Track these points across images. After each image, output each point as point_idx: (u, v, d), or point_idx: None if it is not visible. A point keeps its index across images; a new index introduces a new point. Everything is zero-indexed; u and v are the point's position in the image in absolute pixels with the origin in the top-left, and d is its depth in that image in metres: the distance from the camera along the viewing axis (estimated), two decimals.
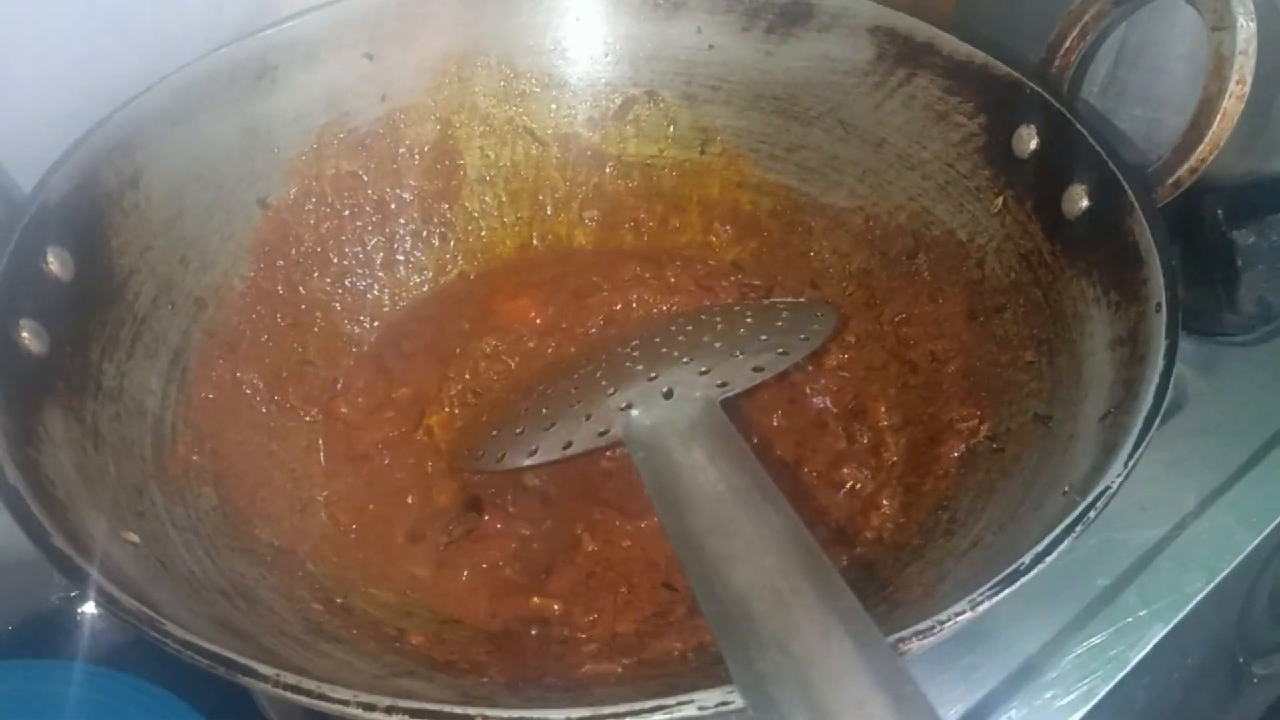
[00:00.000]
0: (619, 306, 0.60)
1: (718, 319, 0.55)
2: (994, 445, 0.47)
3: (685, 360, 0.50)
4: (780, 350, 0.51)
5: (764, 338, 0.52)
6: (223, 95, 0.55)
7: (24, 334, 0.43)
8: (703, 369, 0.49)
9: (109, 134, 0.51)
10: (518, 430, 0.50)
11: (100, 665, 0.62)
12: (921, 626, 0.31)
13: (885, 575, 0.45)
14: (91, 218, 0.49)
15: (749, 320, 0.55)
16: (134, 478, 0.44)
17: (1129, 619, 0.52)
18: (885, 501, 0.50)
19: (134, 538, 0.40)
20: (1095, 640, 0.51)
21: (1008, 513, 0.42)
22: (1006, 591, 0.32)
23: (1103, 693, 0.50)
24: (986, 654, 0.51)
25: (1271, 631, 0.57)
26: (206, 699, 0.59)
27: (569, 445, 0.48)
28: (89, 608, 0.68)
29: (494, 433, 0.51)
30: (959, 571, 0.41)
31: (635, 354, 0.52)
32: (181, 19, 0.56)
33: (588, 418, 0.49)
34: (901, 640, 0.31)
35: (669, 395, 0.48)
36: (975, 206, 0.54)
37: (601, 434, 0.48)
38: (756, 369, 0.50)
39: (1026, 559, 0.33)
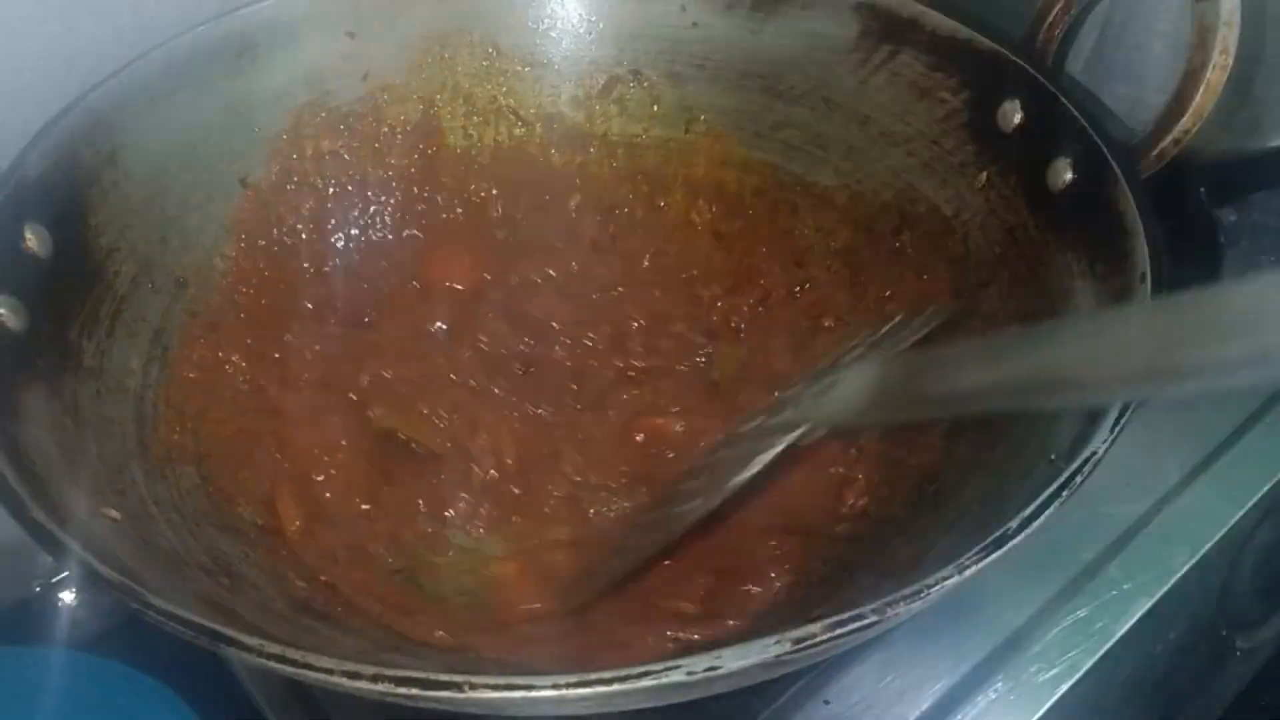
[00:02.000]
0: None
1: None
2: (981, 418, 0.47)
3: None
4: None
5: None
6: (202, 73, 0.55)
7: (1, 310, 0.42)
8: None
9: (86, 111, 0.50)
10: None
11: (84, 652, 0.62)
12: (909, 591, 0.31)
13: (872, 548, 0.45)
14: (69, 195, 0.48)
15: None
16: (115, 456, 0.44)
17: (1113, 592, 0.53)
18: (860, 476, 0.50)
19: (115, 514, 0.39)
20: (1080, 614, 0.52)
21: (994, 484, 0.42)
22: (994, 555, 0.32)
23: (1087, 665, 0.50)
24: (972, 627, 0.52)
25: (1255, 605, 0.58)
26: (191, 685, 0.59)
27: None
28: (72, 594, 0.68)
29: None
30: (945, 543, 0.41)
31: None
32: None
33: None
34: (889, 605, 0.31)
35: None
36: (959, 182, 0.54)
37: None
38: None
39: (1014, 523, 0.33)
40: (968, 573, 0.32)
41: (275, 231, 0.57)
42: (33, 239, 0.45)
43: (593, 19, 0.63)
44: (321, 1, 0.58)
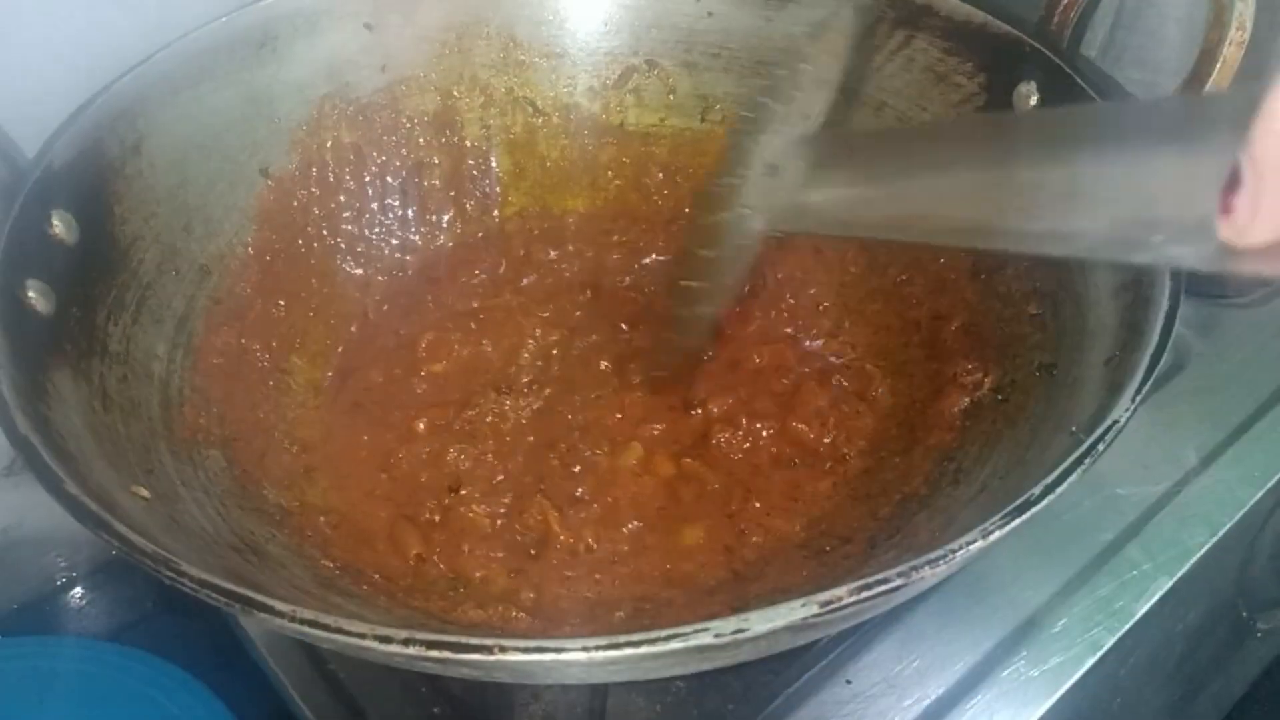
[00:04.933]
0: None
1: None
2: (999, 397, 0.48)
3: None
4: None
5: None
6: (224, 64, 0.55)
7: (30, 293, 0.43)
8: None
9: (112, 101, 0.51)
10: None
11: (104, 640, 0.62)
12: (935, 555, 0.32)
13: (894, 524, 0.45)
14: (95, 184, 0.49)
15: None
16: (142, 437, 0.44)
17: (1133, 572, 0.52)
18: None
19: (145, 493, 0.40)
20: (1101, 593, 0.51)
21: (1014, 458, 0.43)
22: (1018, 520, 0.33)
23: (1109, 644, 0.50)
24: (994, 606, 0.52)
25: (1274, 586, 0.58)
26: (213, 675, 0.60)
27: None
28: (89, 587, 0.69)
29: None
30: (966, 516, 0.41)
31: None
32: None
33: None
34: (915, 569, 0.31)
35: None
36: None
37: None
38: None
39: (1037, 490, 0.33)
40: (992, 537, 0.32)
41: (297, 221, 0.58)
42: (60, 225, 0.46)
43: (609, 9, 0.64)
44: None
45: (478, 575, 0.47)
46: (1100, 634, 0.50)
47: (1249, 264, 0.27)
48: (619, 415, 0.54)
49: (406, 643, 0.30)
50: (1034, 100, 0.52)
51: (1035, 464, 0.40)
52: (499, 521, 0.50)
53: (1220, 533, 0.54)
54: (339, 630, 0.30)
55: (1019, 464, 0.42)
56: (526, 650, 0.30)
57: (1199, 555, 0.53)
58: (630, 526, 0.49)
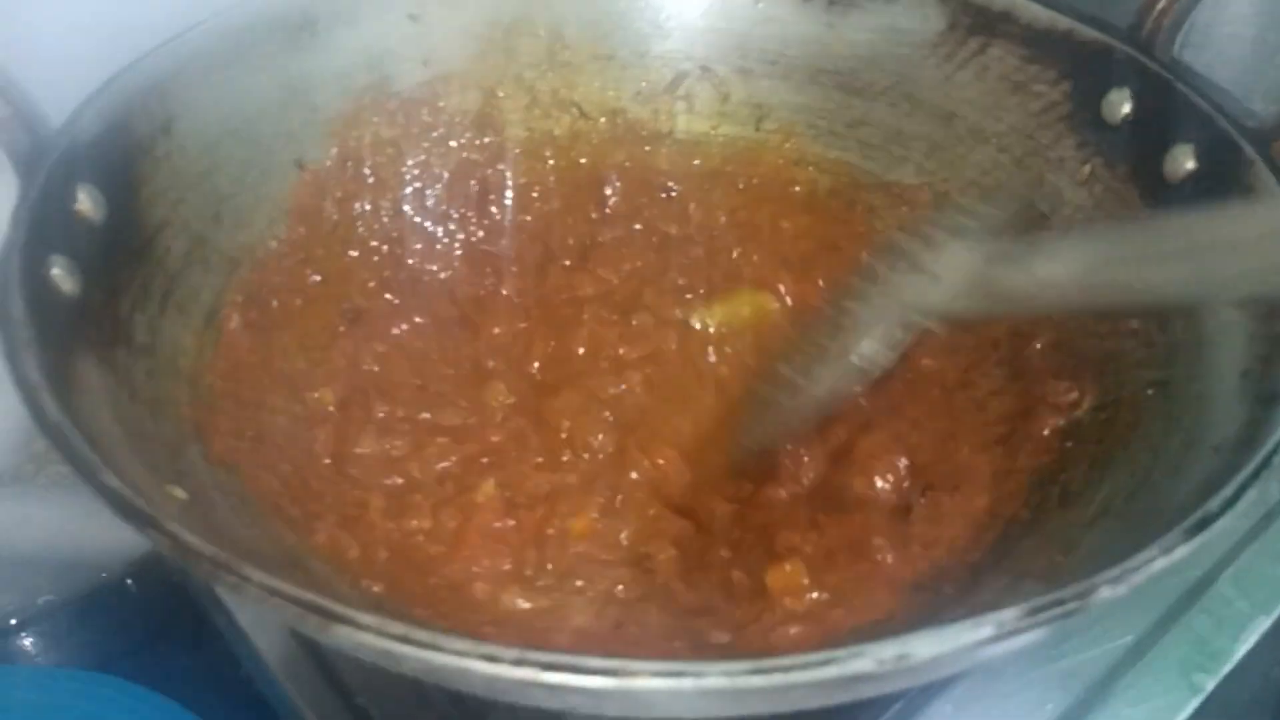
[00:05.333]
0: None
1: None
2: (1102, 416, 0.44)
3: None
4: None
5: None
6: (261, 46, 0.52)
7: (55, 270, 0.39)
8: None
9: (142, 76, 0.47)
10: None
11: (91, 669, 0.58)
12: (1111, 574, 0.28)
13: (998, 549, 0.42)
14: (122, 163, 0.45)
15: None
16: (172, 437, 0.40)
17: (1227, 610, 0.49)
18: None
19: (180, 493, 0.35)
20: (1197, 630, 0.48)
21: (1135, 479, 0.39)
22: (1199, 538, 0.29)
23: (1209, 688, 0.47)
24: (1078, 646, 0.48)
25: None
26: (204, 706, 0.55)
27: None
28: (74, 613, 0.64)
29: None
30: (1090, 540, 0.38)
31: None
32: None
33: None
34: (1093, 587, 0.27)
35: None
36: (1058, 177, 0.52)
37: None
38: None
39: (1214, 505, 0.30)
40: (1175, 554, 0.29)
41: (331, 217, 0.54)
42: (86, 201, 0.42)
43: (661, 11, 0.61)
44: None
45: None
46: (1200, 678, 0.47)
47: None
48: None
49: (517, 662, 0.25)
50: (1127, 108, 0.49)
51: (1169, 484, 0.37)
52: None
53: None
54: (434, 647, 0.26)
55: (1146, 485, 0.38)
56: (658, 674, 0.25)
57: None
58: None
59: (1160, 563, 0.28)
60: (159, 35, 0.49)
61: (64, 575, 0.62)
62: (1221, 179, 0.44)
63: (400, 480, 0.48)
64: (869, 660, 0.26)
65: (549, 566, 0.45)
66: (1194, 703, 0.46)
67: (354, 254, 0.55)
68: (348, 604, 0.27)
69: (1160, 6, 0.50)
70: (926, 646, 0.26)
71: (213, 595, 0.50)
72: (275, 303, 0.50)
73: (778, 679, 0.25)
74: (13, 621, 0.60)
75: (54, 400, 0.32)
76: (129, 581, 0.64)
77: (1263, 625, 0.49)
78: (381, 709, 0.44)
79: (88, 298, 0.40)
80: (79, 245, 0.40)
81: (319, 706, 0.44)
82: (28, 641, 0.60)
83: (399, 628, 0.26)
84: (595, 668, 0.25)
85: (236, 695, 0.54)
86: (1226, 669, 0.47)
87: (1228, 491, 0.30)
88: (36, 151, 0.41)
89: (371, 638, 0.26)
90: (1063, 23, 0.52)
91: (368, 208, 0.56)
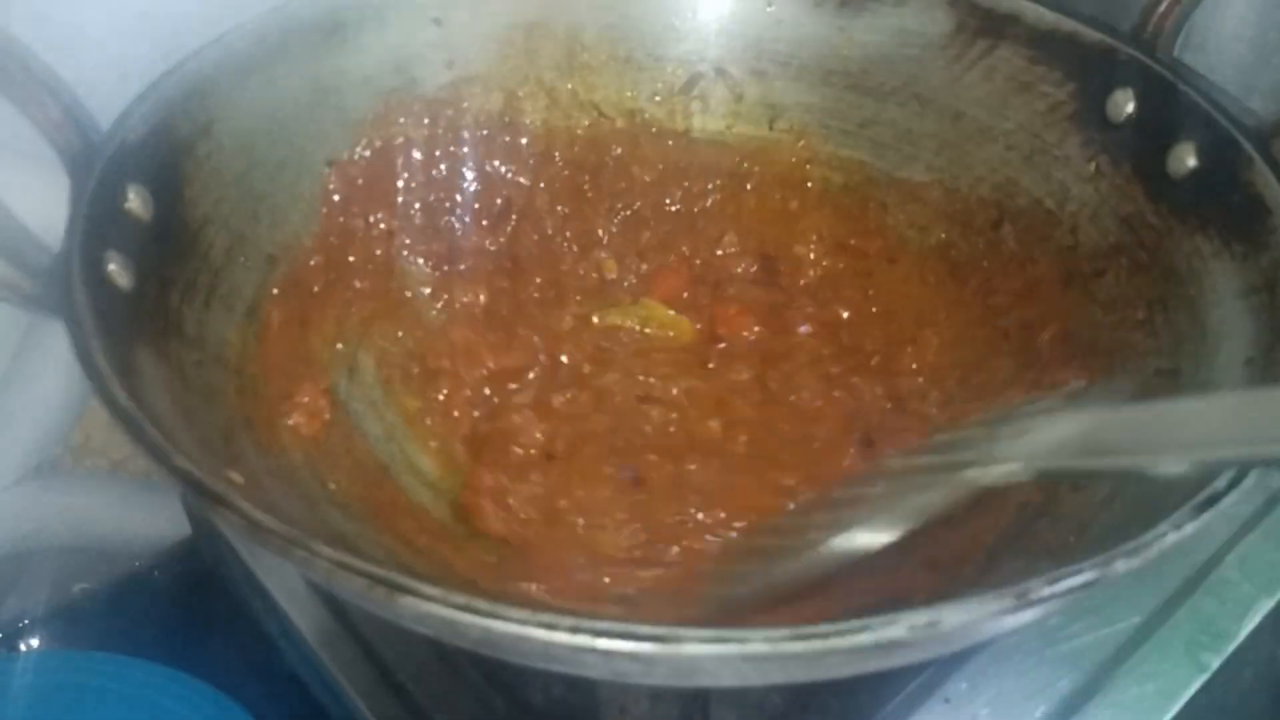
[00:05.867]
0: None
1: None
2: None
3: None
4: None
5: None
6: (294, 49, 0.53)
7: (111, 266, 0.40)
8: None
9: (182, 80, 0.48)
10: None
11: (126, 655, 0.59)
12: (1127, 547, 0.30)
13: (1012, 531, 0.43)
14: (167, 163, 0.47)
15: None
16: (224, 425, 0.42)
17: (1232, 592, 0.51)
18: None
19: (238, 477, 0.37)
20: (1202, 611, 0.50)
21: None
22: (1208, 514, 0.31)
23: (1214, 666, 0.49)
24: (1091, 625, 0.50)
25: None
26: (240, 689, 0.57)
27: None
28: (110, 599, 0.65)
29: None
30: (1104, 519, 0.39)
31: None
32: None
33: None
34: (1110, 560, 0.29)
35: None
36: (1065, 174, 0.53)
37: None
38: None
39: (1222, 484, 0.32)
40: (1185, 530, 0.30)
41: (362, 216, 0.56)
42: (136, 199, 0.44)
43: (677, 14, 0.63)
44: None
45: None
46: (1208, 656, 0.49)
47: None
48: None
49: (573, 630, 0.27)
50: (1130, 107, 0.51)
51: None
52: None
53: None
54: (494, 615, 0.28)
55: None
56: (706, 640, 0.27)
57: None
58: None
59: (1171, 537, 0.30)
60: (197, 37, 0.50)
61: (99, 563, 0.64)
62: (1225, 178, 0.45)
63: None
64: (902, 627, 0.28)
65: None
66: (1199, 680, 0.48)
67: (380, 252, 0.57)
68: (410, 576, 0.29)
69: (1162, 9, 0.52)
70: (955, 615, 0.28)
71: (251, 580, 0.52)
72: (309, 297, 0.52)
73: (816, 644, 0.27)
74: (51, 608, 0.62)
75: (121, 390, 0.34)
76: (159, 570, 0.66)
77: (1265, 606, 0.51)
78: (418, 684, 0.46)
79: (141, 292, 0.42)
80: (131, 242, 0.42)
81: (359, 683, 0.46)
82: (65, 627, 0.62)
83: (461, 598, 0.28)
84: (645, 634, 0.27)
85: (264, 676, 0.56)
86: (1231, 648, 0.49)
87: (1234, 470, 0.32)
88: (87, 153, 0.43)
89: (436, 608, 0.28)
90: (1067, 25, 0.54)
91: (396, 206, 0.57)
